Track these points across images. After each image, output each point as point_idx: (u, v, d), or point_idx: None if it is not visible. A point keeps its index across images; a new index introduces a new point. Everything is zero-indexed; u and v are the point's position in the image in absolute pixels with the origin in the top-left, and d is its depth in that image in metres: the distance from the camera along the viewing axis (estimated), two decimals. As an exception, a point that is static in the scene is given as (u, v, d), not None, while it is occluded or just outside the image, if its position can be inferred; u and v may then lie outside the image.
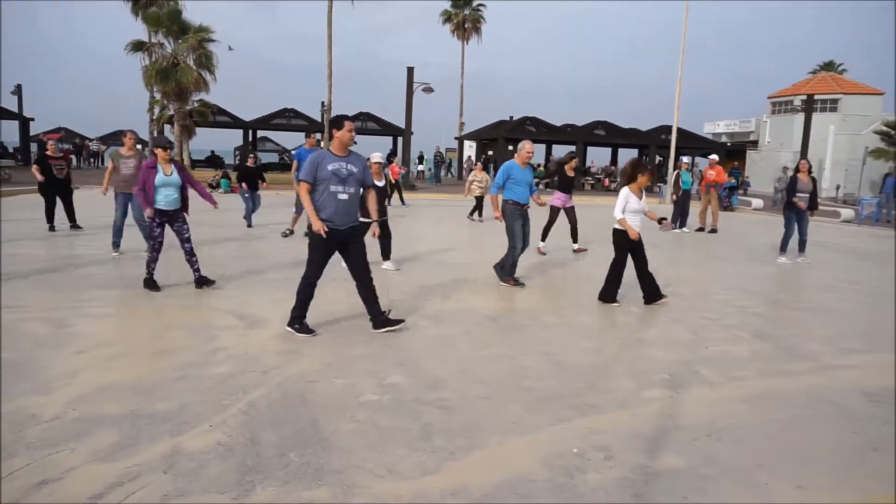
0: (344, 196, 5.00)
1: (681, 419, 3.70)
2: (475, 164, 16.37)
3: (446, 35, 40.21)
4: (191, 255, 6.57)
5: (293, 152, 11.34)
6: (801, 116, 31.37)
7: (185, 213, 6.59)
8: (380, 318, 5.25)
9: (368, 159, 7.48)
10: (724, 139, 41.00)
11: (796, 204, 9.65)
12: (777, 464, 3.18)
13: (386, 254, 8.15)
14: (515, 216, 7.14)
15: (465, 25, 39.38)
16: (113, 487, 2.72)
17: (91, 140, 34.69)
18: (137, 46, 26.82)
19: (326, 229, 4.90)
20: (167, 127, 28.46)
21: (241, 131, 33.50)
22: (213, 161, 33.83)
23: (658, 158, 34.12)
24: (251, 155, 13.93)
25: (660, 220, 6.70)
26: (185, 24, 26.12)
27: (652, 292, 6.58)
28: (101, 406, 3.56)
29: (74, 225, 10.43)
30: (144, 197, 6.32)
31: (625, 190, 6.49)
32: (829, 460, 3.26)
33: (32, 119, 32.59)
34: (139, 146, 7.39)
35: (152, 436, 3.22)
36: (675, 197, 14.20)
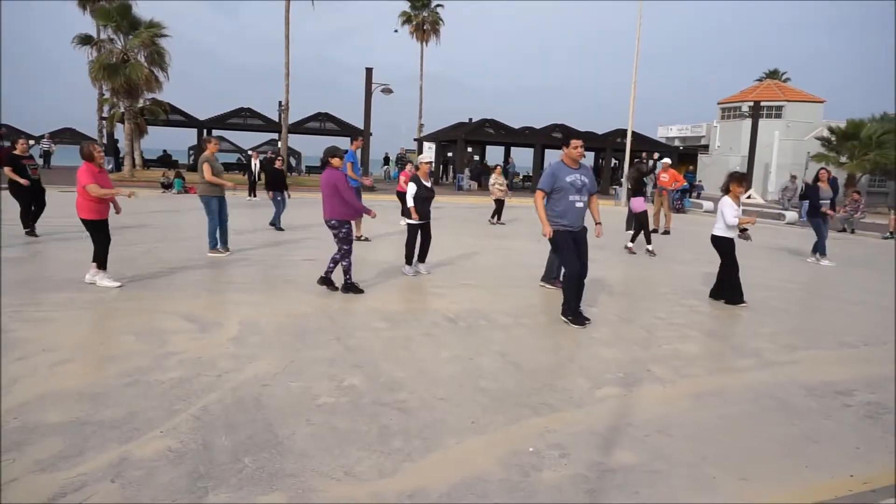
0: (580, 204, 5.83)
1: (633, 416, 3.80)
2: (494, 167, 16.76)
3: (405, 37, 40.18)
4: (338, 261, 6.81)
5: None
6: (748, 122, 32.55)
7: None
8: (572, 309, 5.83)
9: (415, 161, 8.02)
10: (676, 143, 42.17)
11: (824, 211, 10.47)
12: (724, 457, 3.30)
13: (423, 256, 8.10)
14: None
15: (424, 27, 39.43)
16: (57, 498, 2.62)
17: (43, 138, 33.17)
18: (85, 40, 25.88)
19: (550, 233, 5.82)
20: (119, 126, 27.55)
21: (195, 130, 32.69)
22: (166, 161, 32.90)
23: (613, 161, 34.85)
24: (279, 158, 13.67)
25: (742, 230, 7.10)
26: (135, 19, 25.33)
27: (729, 294, 7.06)
28: (44, 414, 3.42)
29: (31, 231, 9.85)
30: (352, 201, 6.59)
31: (727, 199, 6.97)
32: (771, 453, 3.40)
33: (-30, 115, 31.08)
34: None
35: (99, 444, 3.11)
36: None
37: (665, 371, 4.67)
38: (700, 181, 32.03)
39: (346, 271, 6.73)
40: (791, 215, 19.46)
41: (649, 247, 10.77)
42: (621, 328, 5.88)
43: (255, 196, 18.91)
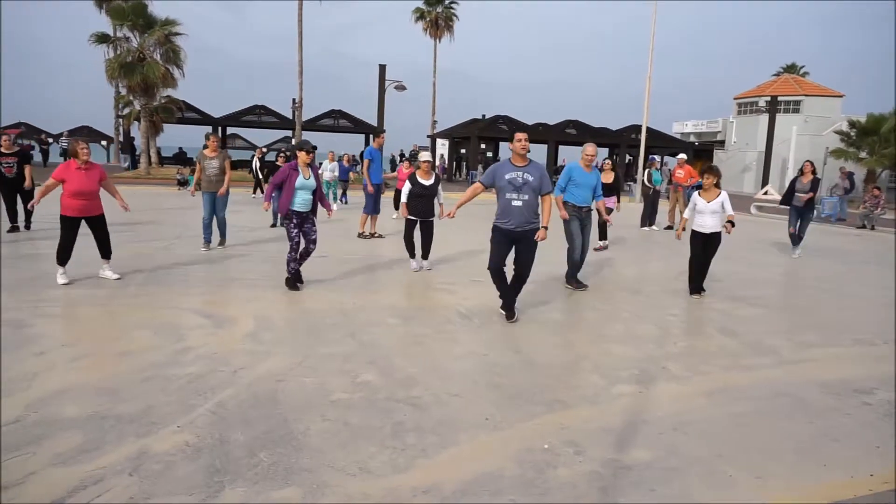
0: (518, 203, 5.43)
1: (648, 413, 3.77)
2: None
3: (418, 34, 40.13)
4: (306, 255, 6.67)
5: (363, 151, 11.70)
6: (765, 117, 32.19)
7: (314, 216, 6.73)
8: (510, 311, 5.80)
9: (416, 159, 7.95)
10: (692, 139, 41.75)
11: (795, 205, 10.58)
12: (739, 455, 3.27)
13: (425, 253, 8.14)
14: (572, 218, 7.27)
15: (438, 23, 39.37)
16: (76, 491, 2.66)
17: (62, 136, 33.62)
18: (102, 38, 26.17)
19: (451, 215, 5.98)
20: (136, 123, 27.84)
21: (210, 128, 32.98)
22: (181, 158, 33.20)
23: (628, 158, 34.61)
24: (283, 154, 13.78)
25: (727, 222, 7.02)
26: (150, 18, 25.60)
27: (697, 286, 7.17)
28: (62, 408, 3.47)
29: (26, 225, 10.04)
30: (275, 196, 6.51)
31: (695, 194, 7.14)
32: (788, 451, 3.36)
33: (-9, 114, 31.54)
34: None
35: (117, 438, 3.15)
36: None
37: (680, 368, 4.63)
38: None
39: (287, 262, 6.61)
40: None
41: (601, 243, 10.49)
42: (635, 325, 5.84)
43: (257, 193, 19.00)
